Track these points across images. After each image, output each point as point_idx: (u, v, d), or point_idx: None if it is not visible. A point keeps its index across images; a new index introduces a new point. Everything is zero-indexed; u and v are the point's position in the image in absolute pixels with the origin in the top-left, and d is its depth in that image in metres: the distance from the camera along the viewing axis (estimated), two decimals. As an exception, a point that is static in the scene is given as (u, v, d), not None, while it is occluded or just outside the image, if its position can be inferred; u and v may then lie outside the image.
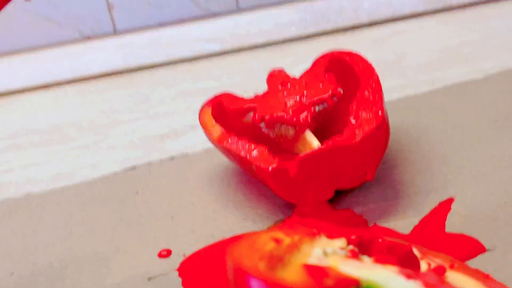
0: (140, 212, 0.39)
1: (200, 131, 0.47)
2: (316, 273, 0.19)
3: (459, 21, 0.62)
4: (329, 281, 0.18)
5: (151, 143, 0.48)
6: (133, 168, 0.44)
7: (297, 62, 0.59)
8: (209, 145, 0.44)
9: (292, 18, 0.65)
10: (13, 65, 0.64)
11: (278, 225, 0.35)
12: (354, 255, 0.22)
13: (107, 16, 0.65)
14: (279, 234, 0.23)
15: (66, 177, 0.45)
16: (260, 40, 0.64)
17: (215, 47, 0.64)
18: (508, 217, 0.32)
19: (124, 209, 0.39)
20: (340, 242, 0.25)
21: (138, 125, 0.52)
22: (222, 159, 0.43)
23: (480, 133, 0.40)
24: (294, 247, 0.23)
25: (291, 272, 0.19)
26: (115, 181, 0.43)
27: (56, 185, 0.44)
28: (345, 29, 0.65)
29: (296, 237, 0.23)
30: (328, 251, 0.22)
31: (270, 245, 0.21)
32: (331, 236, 0.25)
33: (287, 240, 0.23)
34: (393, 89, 0.50)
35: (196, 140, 0.47)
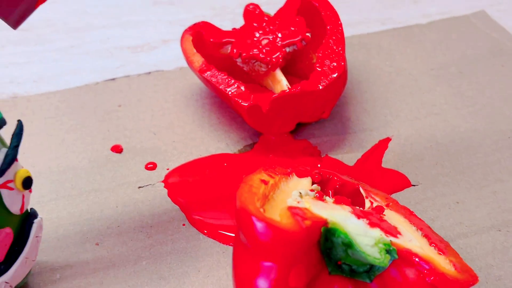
0: (124, 125, 0.44)
1: (172, 46, 0.51)
2: (298, 215, 0.26)
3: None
4: (307, 222, 0.26)
5: (125, 54, 0.52)
6: (113, 80, 0.48)
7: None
8: (182, 62, 0.49)
9: None
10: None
11: (248, 150, 0.42)
12: (320, 196, 0.30)
13: None
14: (264, 175, 0.30)
15: (48, 81, 0.49)
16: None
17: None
18: (431, 158, 0.41)
19: (110, 121, 0.44)
20: (307, 181, 0.32)
21: (111, 34, 0.55)
22: (196, 80, 0.48)
23: (418, 80, 0.48)
24: (275, 186, 0.30)
25: (282, 215, 0.26)
26: (97, 91, 0.47)
27: (40, 88, 0.48)
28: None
29: (277, 178, 0.30)
30: (302, 194, 0.29)
31: (262, 188, 0.28)
32: (300, 175, 0.32)
33: (271, 181, 0.30)
34: (347, 24, 0.55)
35: (169, 55, 0.52)
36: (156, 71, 0.49)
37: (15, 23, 0.31)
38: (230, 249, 0.35)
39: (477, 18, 0.55)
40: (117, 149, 0.42)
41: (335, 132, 0.43)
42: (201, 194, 0.39)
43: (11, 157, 0.26)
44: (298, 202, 0.28)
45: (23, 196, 0.28)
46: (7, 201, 0.27)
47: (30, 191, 0.29)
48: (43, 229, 0.32)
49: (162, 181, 0.40)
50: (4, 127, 0.28)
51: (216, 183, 0.39)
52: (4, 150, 0.27)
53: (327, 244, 0.27)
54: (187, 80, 0.48)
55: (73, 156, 0.41)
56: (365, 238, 0.27)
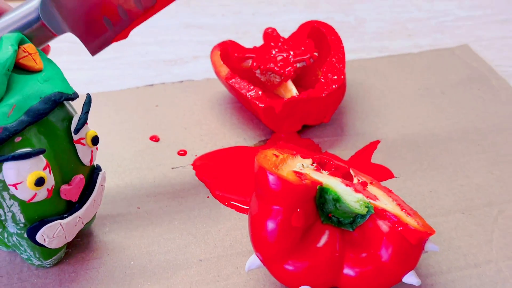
0: (161, 121, 0.53)
1: (201, 61, 0.61)
2: (300, 175, 0.35)
3: (410, -2, 0.77)
4: (307, 181, 0.35)
5: (161, 66, 0.62)
6: (151, 85, 0.58)
7: (279, 12, 0.73)
8: (209, 74, 0.59)
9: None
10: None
11: (262, 144, 0.51)
12: (318, 169, 0.39)
13: None
14: (276, 152, 0.39)
15: (97, 85, 0.59)
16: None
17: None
18: (412, 158, 0.50)
19: (149, 118, 0.54)
20: (309, 161, 0.41)
21: (150, 49, 0.65)
22: (220, 88, 0.57)
23: (406, 97, 0.57)
24: (284, 160, 0.39)
25: (288, 173, 0.35)
26: (138, 93, 0.57)
27: (90, 90, 0.58)
28: (320, -11, 0.79)
29: (285, 155, 0.39)
30: (304, 165, 0.38)
31: (273, 158, 0.37)
32: (303, 156, 0.41)
33: (280, 156, 0.38)
34: (351, 51, 0.65)
35: (198, 68, 0.62)
36: (187, 80, 0.59)
37: (93, 51, 0.41)
38: (244, 216, 0.44)
39: (460, 50, 0.64)
40: (154, 138, 0.51)
41: (334, 134, 0.52)
42: (222, 175, 0.48)
43: (83, 120, 0.35)
44: (301, 169, 0.37)
45: (92, 151, 0.37)
46: (80, 154, 0.36)
47: (97, 149, 0.38)
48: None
49: (191, 164, 0.49)
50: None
51: (234, 168, 0.48)
52: (78, 115, 0.36)
53: (321, 200, 0.36)
54: (212, 89, 0.58)
55: (119, 142, 0.51)
56: (350, 196, 0.36)
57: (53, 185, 0.34)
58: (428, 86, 0.59)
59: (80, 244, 0.41)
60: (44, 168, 0.33)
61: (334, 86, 0.50)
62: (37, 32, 0.37)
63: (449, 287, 0.39)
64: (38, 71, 0.35)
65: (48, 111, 0.34)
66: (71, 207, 0.37)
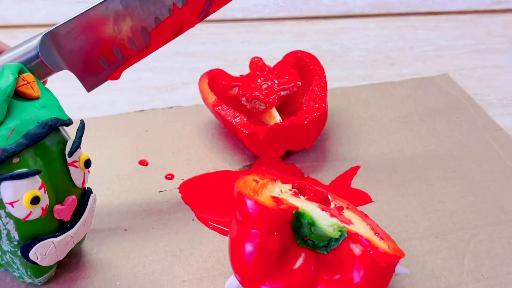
0: (150, 145, 0.55)
1: (191, 87, 0.64)
2: (277, 200, 0.37)
3: (394, 27, 0.80)
4: (284, 206, 0.37)
5: (153, 92, 0.65)
6: (142, 111, 0.60)
7: (267, 40, 0.76)
8: (198, 100, 0.61)
9: (268, 1, 0.81)
10: (35, 3, 0.77)
11: (246, 168, 0.53)
12: (296, 195, 0.41)
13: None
14: (256, 177, 0.41)
15: (90, 110, 0.61)
16: (239, 15, 0.80)
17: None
18: (390, 183, 0.52)
19: (139, 142, 0.56)
20: (289, 186, 0.43)
21: (142, 75, 0.67)
22: (208, 114, 0.60)
23: (386, 125, 0.59)
24: (264, 186, 0.41)
25: (265, 198, 0.37)
26: (129, 119, 0.59)
27: (83, 115, 0.60)
28: (307, 18, 0.82)
29: (265, 180, 0.41)
30: (283, 191, 0.40)
31: (253, 184, 0.39)
32: (283, 181, 0.43)
33: (260, 182, 0.40)
34: (335, 79, 0.68)
35: (188, 95, 0.64)
36: (177, 106, 0.61)
37: (89, 88, 0.45)
38: (226, 238, 0.46)
39: (441, 79, 0.67)
40: (143, 163, 0.53)
41: (316, 159, 0.54)
42: (207, 198, 0.50)
43: (77, 144, 0.38)
44: (279, 195, 0.39)
45: (84, 174, 0.39)
46: (73, 176, 0.38)
47: (89, 172, 0.40)
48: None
49: (178, 188, 0.51)
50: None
51: (219, 192, 0.50)
52: (72, 139, 0.38)
53: (297, 224, 0.38)
54: (201, 115, 0.60)
55: (109, 166, 0.53)
56: (325, 221, 0.38)
57: (47, 204, 0.36)
58: (407, 114, 0.61)
59: (69, 264, 0.43)
60: (40, 188, 0.35)
61: (315, 114, 0.52)
62: (35, 68, 0.40)
63: (421, 308, 0.41)
64: (36, 98, 0.37)
65: (44, 135, 0.36)
66: (63, 227, 0.39)
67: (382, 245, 0.37)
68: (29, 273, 0.39)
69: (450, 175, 0.53)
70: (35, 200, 0.35)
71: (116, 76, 0.45)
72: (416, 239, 0.46)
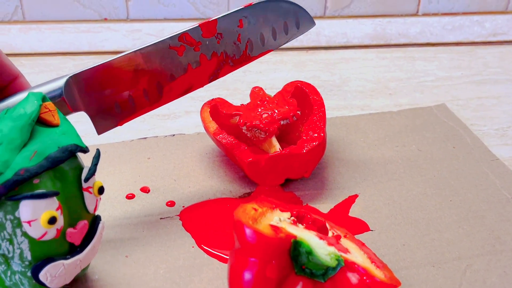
0: (152, 173, 0.57)
1: (192, 116, 0.65)
2: (276, 228, 0.38)
3: (392, 58, 0.82)
4: (282, 234, 0.37)
5: (155, 120, 0.66)
6: (145, 138, 0.62)
7: (268, 70, 0.77)
8: (200, 129, 0.62)
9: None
10: (42, 32, 0.79)
11: (246, 196, 0.54)
12: (295, 223, 0.42)
13: (124, 5, 0.81)
14: (256, 206, 0.42)
15: (93, 137, 0.62)
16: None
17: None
18: (387, 212, 0.52)
19: (141, 169, 0.57)
20: (287, 214, 0.44)
21: (145, 103, 0.68)
22: (209, 142, 0.61)
23: (384, 154, 0.60)
24: (263, 214, 0.41)
25: (264, 227, 0.38)
26: (132, 146, 0.60)
27: (86, 142, 0.61)
28: (307, 48, 0.83)
29: (264, 209, 0.42)
30: (281, 219, 0.41)
31: (252, 212, 0.40)
32: (282, 210, 0.44)
33: (259, 210, 0.41)
34: (334, 108, 0.69)
35: (190, 123, 0.65)
36: (179, 134, 0.62)
37: (100, 131, 0.48)
38: (225, 266, 0.46)
39: (438, 109, 0.68)
40: (145, 189, 0.54)
41: (315, 188, 0.55)
42: (207, 225, 0.50)
43: (93, 170, 0.39)
44: (277, 223, 0.40)
45: (97, 201, 0.41)
46: (87, 201, 0.40)
47: (100, 199, 0.41)
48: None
49: (179, 215, 0.52)
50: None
51: (219, 219, 0.51)
52: (88, 166, 0.40)
53: (295, 252, 0.39)
54: (202, 142, 0.61)
55: (111, 193, 0.54)
56: (322, 249, 0.39)
57: (62, 226, 0.38)
58: (405, 143, 0.62)
59: (70, 291, 0.44)
60: (57, 209, 0.37)
61: (314, 143, 0.53)
62: (56, 105, 0.42)
63: (417, 337, 0.41)
64: (56, 125, 0.39)
65: (64, 159, 0.38)
66: (73, 250, 0.40)
67: (379, 274, 0.38)
68: None
69: (447, 205, 0.53)
70: (52, 220, 0.36)
71: (122, 123, 0.48)
72: (413, 268, 0.47)
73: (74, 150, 0.39)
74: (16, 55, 0.77)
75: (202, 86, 0.50)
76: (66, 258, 0.39)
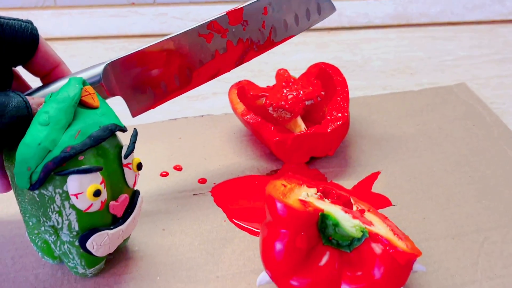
0: (183, 151, 0.60)
1: (220, 97, 0.67)
2: (304, 203, 0.41)
3: (413, 38, 0.83)
4: (310, 208, 0.40)
5: (184, 102, 0.69)
6: (175, 119, 0.65)
7: (291, 51, 0.80)
8: (227, 109, 0.65)
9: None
10: (72, 17, 0.82)
11: (273, 173, 0.57)
12: (321, 198, 0.44)
13: (151, -11, 0.83)
14: (284, 182, 0.44)
15: (126, 118, 0.65)
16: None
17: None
18: (408, 188, 0.55)
19: (173, 148, 0.60)
20: (314, 190, 0.46)
21: (174, 85, 0.71)
22: (237, 122, 0.64)
23: (406, 132, 0.63)
24: (291, 190, 0.44)
25: (293, 201, 0.41)
26: (163, 126, 0.63)
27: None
28: (329, 29, 0.85)
29: (293, 185, 0.45)
30: (309, 194, 0.44)
31: (282, 188, 0.43)
32: (309, 186, 0.47)
33: (288, 186, 0.44)
34: (357, 88, 0.71)
35: (217, 104, 0.68)
36: (207, 114, 0.65)
37: (134, 114, 0.52)
38: (256, 239, 0.49)
39: (458, 88, 0.70)
40: (178, 168, 0.57)
41: (339, 165, 0.58)
42: (238, 201, 0.53)
43: (132, 148, 0.43)
44: (305, 198, 0.43)
45: (136, 176, 0.44)
46: (127, 176, 0.43)
47: (139, 175, 0.45)
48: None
49: (210, 191, 0.55)
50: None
51: (248, 195, 0.54)
52: (126, 144, 0.43)
53: (322, 225, 0.42)
54: (230, 123, 0.64)
55: (146, 171, 0.57)
56: (348, 222, 0.41)
57: (105, 199, 0.41)
58: (426, 122, 0.64)
59: (113, 261, 0.47)
60: (101, 183, 0.40)
61: (338, 123, 0.55)
62: (95, 90, 0.45)
63: (437, 303, 0.44)
64: (96, 107, 0.42)
65: (105, 138, 0.41)
66: (116, 221, 0.44)
67: (401, 244, 0.41)
68: (83, 263, 0.44)
69: (466, 180, 0.56)
70: (97, 193, 0.40)
71: (155, 106, 0.52)
72: (433, 240, 0.49)
73: (114, 129, 0.42)
74: (49, 40, 0.80)
75: (229, 71, 0.53)
76: (110, 229, 0.43)
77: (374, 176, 0.57)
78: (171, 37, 0.49)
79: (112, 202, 0.42)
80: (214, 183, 0.56)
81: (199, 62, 0.51)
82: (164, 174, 0.57)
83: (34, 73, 0.46)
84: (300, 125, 0.57)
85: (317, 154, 0.57)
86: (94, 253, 0.42)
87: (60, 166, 0.39)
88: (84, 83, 0.43)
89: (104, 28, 0.82)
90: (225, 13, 0.51)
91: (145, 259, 0.47)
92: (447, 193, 0.54)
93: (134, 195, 0.45)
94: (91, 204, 0.40)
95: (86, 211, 0.40)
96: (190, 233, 0.50)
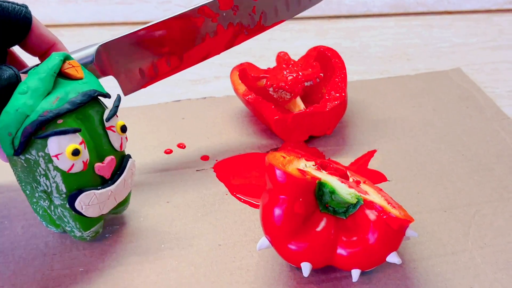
0: (186, 130, 0.62)
1: (222, 81, 0.70)
2: (303, 172, 0.43)
3: (411, 26, 0.85)
4: (308, 176, 0.42)
5: (187, 85, 0.71)
6: (179, 101, 0.67)
7: (292, 38, 0.82)
8: (229, 92, 0.67)
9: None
10: (79, 4, 0.84)
11: (273, 151, 0.59)
12: (318, 169, 0.46)
13: (154, -22, 0.85)
14: (284, 154, 0.47)
15: (131, 101, 0.67)
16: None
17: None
18: (403, 165, 0.57)
19: (176, 128, 0.62)
20: (312, 163, 0.49)
21: (177, 70, 0.73)
22: (238, 104, 0.66)
23: (401, 114, 0.65)
24: (290, 161, 0.46)
25: (292, 170, 0.43)
26: (167, 108, 0.66)
27: (125, 105, 0.66)
28: (329, 17, 0.87)
29: (292, 157, 0.47)
30: (307, 165, 0.46)
31: (281, 159, 0.45)
32: (307, 159, 0.49)
33: (287, 158, 0.46)
34: (355, 73, 0.73)
35: (219, 87, 0.70)
36: (209, 97, 0.68)
37: (126, 92, 0.54)
38: (256, 211, 0.52)
39: (453, 73, 0.72)
40: (181, 146, 0.60)
41: (337, 144, 0.60)
42: (239, 176, 0.56)
43: (114, 111, 0.45)
44: (304, 168, 0.45)
45: (122, 139, 0.46)
46: (111, 139, 0.45)
47: (127, 139, 0.47)
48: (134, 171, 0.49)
49: (213, 167, 0.57)
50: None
51: (249, 171, 0.56)
52: (110, 108, 0.45)
53: (320, 192, 0.44)
54: (232, 104, 0.66)
55: (151, 148, 0.59)
56: (344, 190, 0.43)
57: (87, 159, 0.43)
58: (421, 104, 0.66)
59: (119, 231, 0.49)
60: (80, 143, 0.42)
61: (336, 102, 0.58)
62: (88, 70, 0.48)
63: (429, 270, 0.46)
64: (79, 79, 0.45)
65: (84, 102, 0.43)
66: (105, 182, 0.45)
67: (394, 211, 0.43)
68: (78, 226, 0.45)
69: (459, 158, 0.58)
70: (75, 152, 0.41)
71: (146, 86, 0.54)
72: (427, 213, 0.51)
73: (93, 94, 0.44)
74: (56, 26, 0.83)
75: (219, 54, 0.56)
76: (97, 189, 0.44)
77: (371, 154, 0.59)
78: (162, 21, 0.52)
79: (98, 164, 0.44)
80: (216, 160, 0.58)
81: (189, 45, 0.53)
82: (168, 152, 0.59)
83: (31, 52, 0.49)
84: (299, 105, 0.59)
85: (316, 133, 0.59)
86: (84, 213, 0.44)
87: (40, 130, 0.41)
88: (67, 57, 0.45)
89: (110, 15, 0.84)
90: None
91: (150, 229, 0.50)
92: (440, 169, 0.56)
93: (123, 158, 0.47)
94: (73, 164, 0.42)
95: (70, 171, 0.42)
96: (193, 205, 0.52)
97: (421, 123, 0.63)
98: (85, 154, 0.43)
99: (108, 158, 0.45)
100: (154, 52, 0.52)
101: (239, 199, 0.53)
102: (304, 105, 0.59)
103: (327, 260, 0.43)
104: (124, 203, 0.49)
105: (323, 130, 0.59)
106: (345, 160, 0.58)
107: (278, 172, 0.42)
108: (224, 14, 0.53)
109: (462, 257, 0.47)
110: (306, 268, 0.43)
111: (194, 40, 0.53)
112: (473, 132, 0.62)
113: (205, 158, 0.58)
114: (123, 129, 0.46)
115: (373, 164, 0.57)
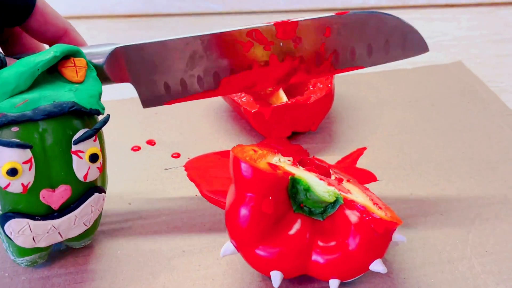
0: (159, 127, 0.56)
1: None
2: (273, 166, 0.37)
3: (410, 19, 0.79)
4: (279, 171, 0.37)
5: (165, 78, 0.65)
6: (153, 95, 0.61)
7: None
8: (209, 87, 0.62)
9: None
10: (55, -3, 0.79)
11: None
12: (294, 164, 0.41)
13: (136, -31, 0.80)
14: (256, 148, 0.41)
15: (104, 94, 0.62)
16: (254, 7, 0.81)
17: (218, 7, 0.81)
18: (396, 163, 0.51)
19: (147, 123, 0.57)
20: (289, 158, 0.43)
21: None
22: (216, 99, 0.60)
23: (396, 109, 0.59)
24: (263, 156, 0.41)
25: (261, 164, 0.37)
26: (139, 102, 0.60)
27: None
28: (322, 10, 0.82)
29: (264, 151, 0.41)
30: (281, 160, 0.40)
31: (251, 152, 0.39)
32: (284, 155, 0.43)
33: (259, 152, 0.41)
34: (347, 66, 0.68)
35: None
36: (187, 91, 0.62)
37: (145, 105, 0.47)
38: (229, 213, 0.46)
39: (454, 67, 0.66)
40: (151, 142, 0.54)
41: (323, 140, 0.54)
42: (211, 175, 0.50)
43: (87, 135, 0.36)
44: (276, 162, 0.39)
45: (89, 168, 0.37)
46: (75, 165, 0.37)
47: (99, 169, 0.38)
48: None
49: (183, 166, 0.51)
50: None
51: (223, 169, 0.51)
52: (86, 129, 0.37)
53: (293, 190, 0.38)
54: (209, 99, 0.60)
55: (119, 143, 0.54)
56: (321, 187, 0.38)
57: (30, 182, 0.35)
58: (418, 99, 0.60)
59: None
60: (25, 163, 0.35)
61: (320, 94, 0.52)
62: (98, 71, 0.41)
63: (421, 280, 0.40)
64: (76, 82, 0.37)
65: (54, 115, 0.35)
66: (49, 213, 0.37)
67: (379, 212, 0.37)
68: (11, 249, 0.38)
69: (459, 156, 0.52)
70: (12, 172, 0.34)
71: (172, 103, 0.46)
72: (421, 216, 0.46)
73: (69, 107, 0.36)
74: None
75: (267, 88, 0.48)
76: (34, 219, 0.36)
77: (360, 151, 0.53)
78: (199, 36, 0.44)
79: (46, 190, 0.36)
80: (188, 158, 0.52)
81: (230, 69, 0.45)
82: (136, 149, 0.53)
83: (36, 38, 0.43)
84: (282, 98, 0.54)
85: (300, 129, 0.54)
86: (13, 239, 0.37)
87: None
88: (76, 53, 0.38)
89: (88, 7, 0.79)
90: (272, 23, 0.45)
91: (105, 233, 0.44)
92: (437, 168, 0.51)
93: (88, 190, 0.39)
94: (9, 183, 0.35)
95: (5, 189, 0.35)
96: (158, 207, 0.47)
97: (417, 119, 0.57)
98: (27, 176, 0.35)
99: (62, 187, 0.37)
100: (184, 68, 0.45)
101: (210, 199, 0.47)
102: (287, 99, 0.54)
103: (301, 268, 0.38)
104: (82, 237, 0.41)
105: (308, 126, 0.54)
106: (332, 158, 0.52)
107: (243, 165, 0.36)
108: (280, 44, 0.45)
109: (460, 266, 0.41)
110: (276, 277, 0.37)
111: (237, 65, 0.45)
112: (474, 128, 0.56)
113: (176, 155, 0.53)
114: (93, 158, 0.37)
115: (362, 162, 0.52)
